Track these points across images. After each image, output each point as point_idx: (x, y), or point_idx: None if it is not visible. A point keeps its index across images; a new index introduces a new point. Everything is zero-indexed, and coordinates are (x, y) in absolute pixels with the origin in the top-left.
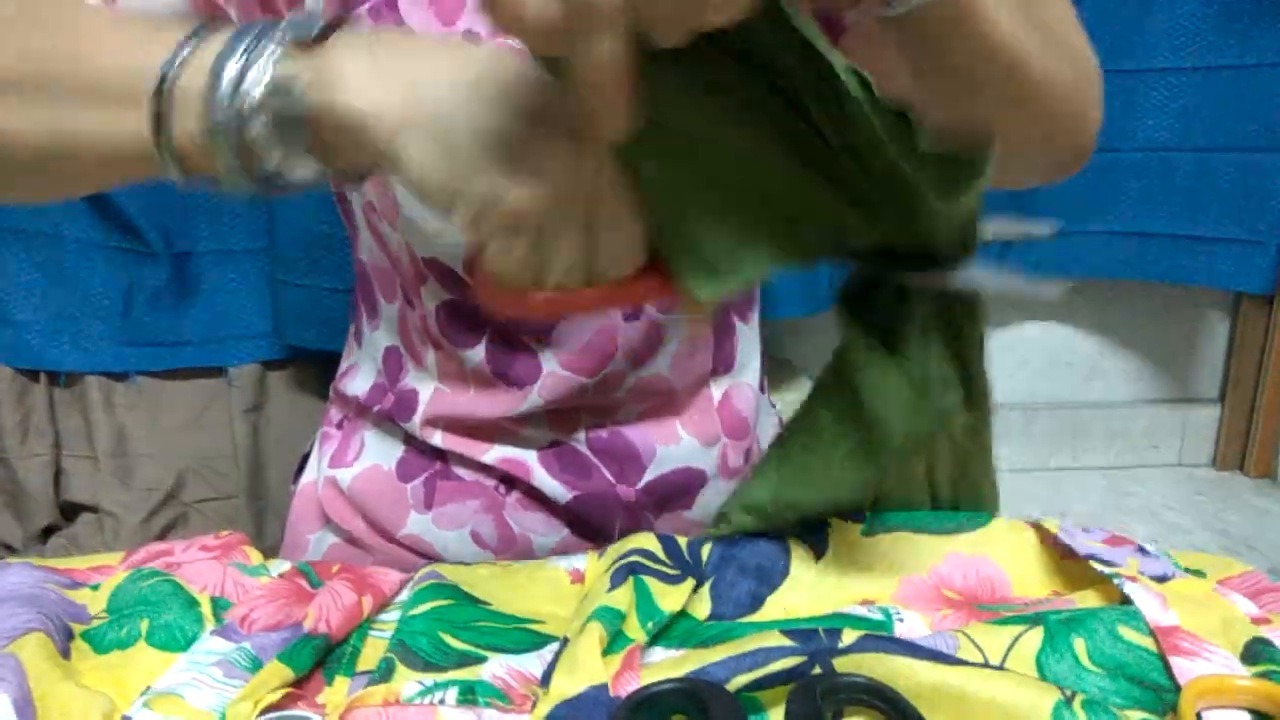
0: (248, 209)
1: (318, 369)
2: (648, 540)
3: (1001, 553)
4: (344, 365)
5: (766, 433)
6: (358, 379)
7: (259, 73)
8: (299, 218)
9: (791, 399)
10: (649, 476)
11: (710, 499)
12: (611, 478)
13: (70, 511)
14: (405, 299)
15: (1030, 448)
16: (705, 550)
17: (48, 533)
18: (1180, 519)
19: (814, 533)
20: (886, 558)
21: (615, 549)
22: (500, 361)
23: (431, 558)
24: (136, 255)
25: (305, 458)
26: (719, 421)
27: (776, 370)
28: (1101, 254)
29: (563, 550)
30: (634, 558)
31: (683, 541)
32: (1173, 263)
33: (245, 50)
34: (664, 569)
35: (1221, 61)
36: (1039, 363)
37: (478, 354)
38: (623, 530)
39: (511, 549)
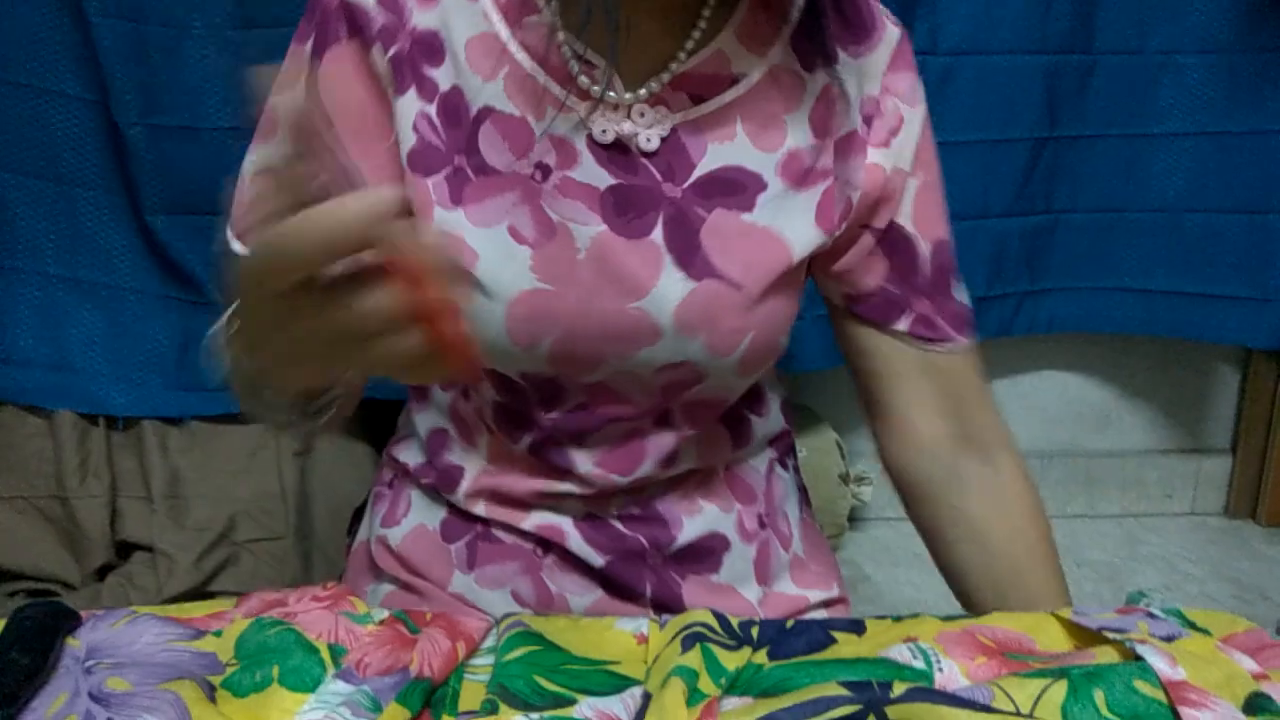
0: None
1: (364, 414)
2: (705, 615)
3: (1023, 624)
4: (399, 432)
5: (788, 500)
6: (410, 450)
7: None
8: None
9: (814, 445)
10: (679, 543)
11: (735, 562)
12: (645, 543)
13: (126, 550)
14: (462, 391)
15: (1046, 495)
16: (755, 630)
17: (104, 571)
18: (1193, 568)
19: (854, 625)
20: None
21: (676, 621)
22: (545, 451)
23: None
24: (193, 305)
25: (357, 511)
26: (730, 492)
27: (800, 418)
28: (1114, 309)
29: (598, 610)
30: (697, 628)
31: (735, 620)
32: (1183, 318)
33: None
34: (722, 639)
35: (1229, 127)
36: (1054, 412)
37: (524, 444)
38: (654, 591)
39: (550, 608)
